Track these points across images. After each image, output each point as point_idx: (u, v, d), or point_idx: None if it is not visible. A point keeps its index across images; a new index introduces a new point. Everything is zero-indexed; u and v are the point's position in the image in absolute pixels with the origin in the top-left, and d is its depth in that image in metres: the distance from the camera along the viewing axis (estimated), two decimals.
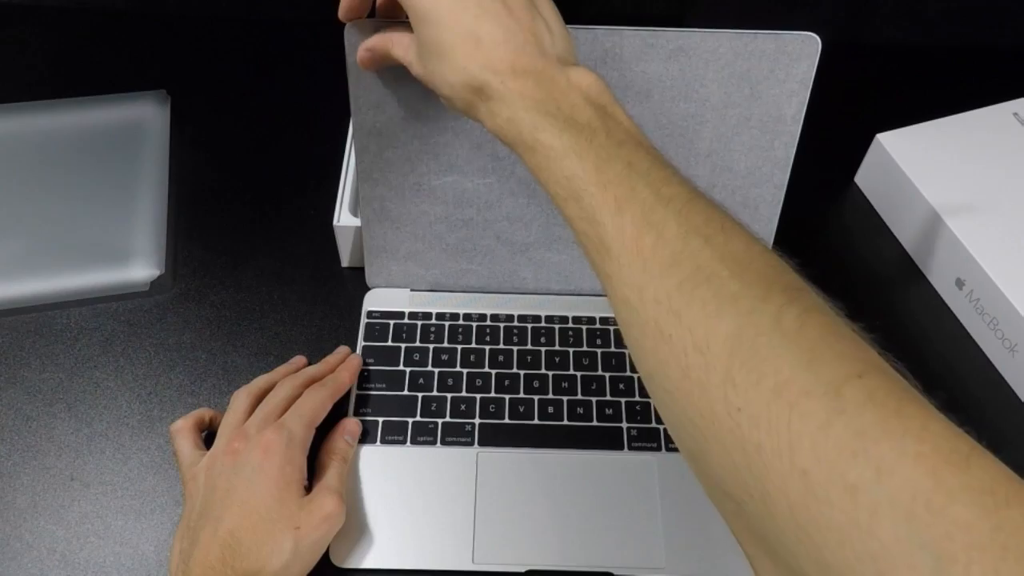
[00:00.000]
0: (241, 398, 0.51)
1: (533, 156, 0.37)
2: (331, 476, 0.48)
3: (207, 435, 0.52)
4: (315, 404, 0.50)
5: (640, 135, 0.37)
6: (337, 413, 0.53)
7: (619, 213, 0.33)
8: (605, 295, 0.35)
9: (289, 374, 0.53)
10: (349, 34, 0.48)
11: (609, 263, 0.34)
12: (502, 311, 0.59)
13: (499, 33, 0.38)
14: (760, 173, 0.55)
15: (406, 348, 0.57)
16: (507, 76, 0.37)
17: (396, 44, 0.44)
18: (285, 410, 0.49)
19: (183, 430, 0.50)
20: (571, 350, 0.57)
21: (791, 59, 0.50)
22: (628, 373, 0.56)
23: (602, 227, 0.34)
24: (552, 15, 0.41)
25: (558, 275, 0.59)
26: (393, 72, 0.49)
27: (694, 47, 0.50)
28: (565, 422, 0.54)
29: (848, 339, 0.29)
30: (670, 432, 0.33)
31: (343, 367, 0.54)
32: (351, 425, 0.52)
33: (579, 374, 0.56)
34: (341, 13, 0.45)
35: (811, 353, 0.28)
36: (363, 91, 0.51)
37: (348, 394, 0.54)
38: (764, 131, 0.53)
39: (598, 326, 0.58)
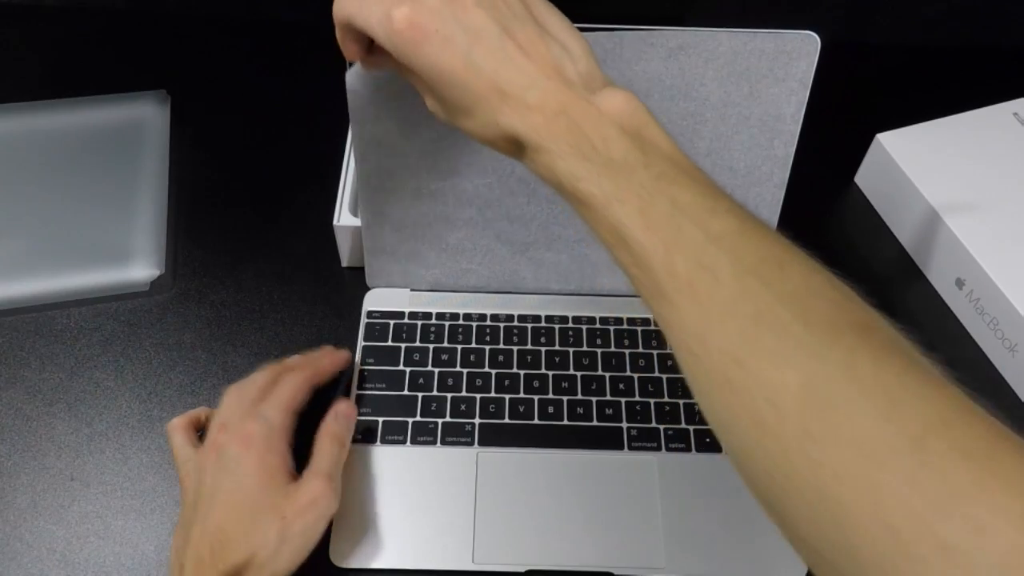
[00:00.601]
0: (232, 394, 0.50)
1: (579, 207, 0.35)
2: (320, 459, 0.47)
3: (203, 434, 0.52)
4: (292, 388, 0.49)
5: (680, 157, 0.35)
6: None
7: (669, 257, 0.32)
8: (656, 325, 0.35)
9: None
10: (351, 78, 0.48)
11: (667, 310, 0.32)
12: (502, 311, 0.59)
13: (521, 79, 0.36)
14: (760, 172, 0.55)
15: (406, 348, 0.57)
16: (539, 123, 0.35)
17: (417, 86, 0.40)
18: (264, 399, 0.48)
19: (178, 428, 0.50)
20: (571, 350, 0.57)
21: (790, 58, 0.50)
22: (628, 373, 0.56)
23: (654, 273, 0.32)
24: (564, 30, 0.39)
25: (557, 274, 0.59)
26: (391, 84, 0.49)
27: (694, 46, 0.50)
28: (565, 422, 0.54)
29: (927, 380, 0.27)
30: (747, 485, 0.31)
31: (324, 352, 0.53)
32: (343, 407, 0.51)
33: (579, 374, 0.56)
34: (345, 55, 0.43)
35: (889, 402, 0.27)
36: (362, 103, 0.50)
37: (348, 394, 0.54)
38: (764, 130, 0.53)
39: (598, 326, 0.58)
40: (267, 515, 0.44)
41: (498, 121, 0.36)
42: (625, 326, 0.58)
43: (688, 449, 0.53)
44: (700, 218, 0.32)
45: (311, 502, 0.45)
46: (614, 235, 0.34)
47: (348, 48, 0.41)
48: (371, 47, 0.41)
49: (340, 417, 0.50)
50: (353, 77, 0.48)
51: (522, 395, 0.55)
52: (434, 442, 0.53)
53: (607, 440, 0.53)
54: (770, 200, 0.56)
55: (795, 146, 0.54)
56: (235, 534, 0.43)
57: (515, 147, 0.37)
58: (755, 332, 0.29)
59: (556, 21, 0.39)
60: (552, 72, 0.36)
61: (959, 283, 0.59)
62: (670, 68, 0.51)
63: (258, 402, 0.48)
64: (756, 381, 0.29)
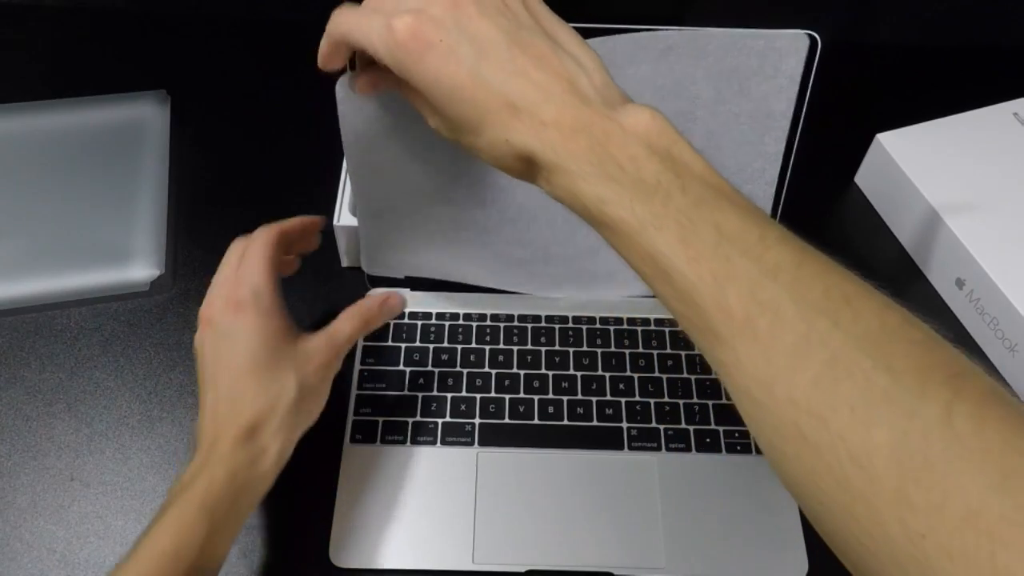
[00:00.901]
0: (213, 280, 0.49)
1: (606, 232, 0.33)
2: (339, 327, 0.49)
3: None
4: (263, 245, 0.48)
5: (715, 178, 0.33)
6: (337, 412, 0.53)
7: (719, 291, 0.29)
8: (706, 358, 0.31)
9: None
10: (341, 88, 0.45)
11: (721, 351, 0.29)
12: (502, 311, 0.59)
13: (534, 93, 0.33)
14: (752, 169, 0.55)
15: (406, 348, 0.57)
16: (555, 140, 0.32)
17: (418, 105, 0.38)
18: (240, 266, 0.48)
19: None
20: (571, 350, 0.57)
21: (780, 55, 0.50)
22: (628, 373, 0.56)
23: (703, 310, 0.29)
24: (574, 43, 0.36)
25: (555, 286, 0.59)
26: (387, 112, 0.47)
27: (683, 45, 0.50)
28: (565, 422, 0.54)
29: None
30: (832, 548, 0.28)
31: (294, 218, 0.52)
32: (392, 296, 0.52)
33: (579, 374, 0.56)
34: (320, 64, 0.40)
35: (1000, 467, 0.24)
36: (355, 133, 0.49)
37: (348, 394, 0.54)
38: (755, 127, 0.53)
39: (598, 326, 0.58)
40: (280, 370, 0.44)
41: (509, 138, 0.33)
42: (625, 326, 0.58)
43: (688, 449, 0.53)
44: (750, 248, 0.29)
45: (322, 361, 0.46)
46: (652, 265, 0.31)
47: (328, 59, 0.39)
48: (367, 65, 0.39)
49: (378, 300, 0.51)
50: (346, 105, 0.46)
51: (522, 395, 0.55)
52: (434, 442, 0.53)
53: (607, 440, 0.53)
54: (762, 197, 0.56)
55: (785, 143, 0.54)
56: (247, 391, 0.43)
57: (528, 167, 0.34)
58: (831, 381, 0.27)
59: (566, 33, 0.37)
60: (567, 86, 0.33)
61: (959, 283, 0.59)
62: (660, 68, 0.50)
63: (237, 271, 0.48)
64: (838, 438, 0.26)
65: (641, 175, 0.31)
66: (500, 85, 0.33)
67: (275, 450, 0.44)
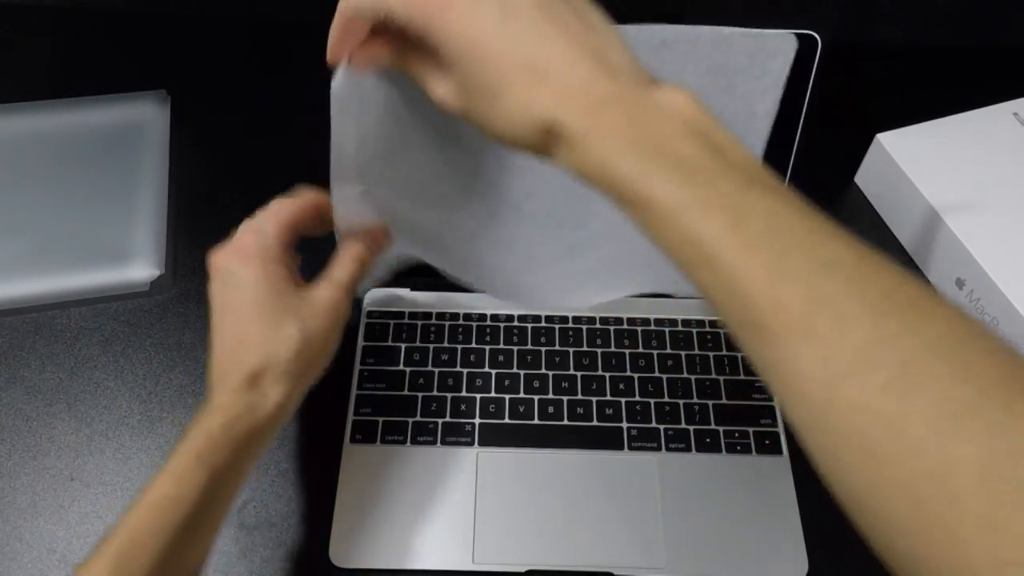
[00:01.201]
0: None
1: (639, 212, 0.30)
2: (337, 268, 0.47)
3: None
4: (293, 204, 0.47)
5: (757, 166, 0.30)
6: (337, 412, 0.53)
7: (772, 285, 0.27)
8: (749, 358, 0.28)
9: None
10: (337, 83, 0.41)
11: (771, 348, 0.27)
12: (502, 311, 0.59)
13: (563, 58, 0.31)
14: None
15: (406, 348, 0.57)
16: (585, 110, 0.30)
17: (424, 74, 0.35)
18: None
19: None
20: (571, 350, 0.57)
21: (767, 55, 0.50)
22: (628, 373, 0.56)
23: (751, 302, 0.27)
24: (603, 24, 0.34)
25: (538, 296, 0.58)
26: (377, 109, 0.44)
27: (675, 41, 0.49)
28: (565, 422, 0.54)
29: None
30: (891, 567, 0.26)
31: None
32: (378, 232, 0.49)
33: (579, 374, 0.56)
34: (329, 56, 0.37)
35: None
36: (344, 127, 0.45)
37: (348, 394, 0.54)
38: (737, 126, 0.52)
39: (598, 326, 0.58)
40: (284, 318, 0.43)
41: (531, 105, 0.31)
42: (625, 326, 0.58)
43: (688, 449, 0.53)
44: (803, 240, 0.27)
45: (329, 307, 0.45)
46: (692, 250, 0.28)
47: (340, 45, 0.36)
48: (366, 42, 0.37)
49: (367, 238, 0.49)
50: (339, 86, 0.42)
51: (522, 395, 0.55)
52: (434, 442, 0.53)
53: (607, 440, 0.53)
54: None
55: (766, 143, 0.53)
56: (252, 338, 0.42)
57: (546, 138, 0.31)
58: (903, 389, 0.24)
59: (595, 14, 0.34)
60: (597, 61, 0.31)
61: (959, 283, 0.60)
62: (652, 63, 0.50)
63: (252, 222, 0.46)
64: (911, 452, 0.24)
65: (680, 155, 0.29)
66: (526, 48, 0.31)
67: (276, 398, 0.42)
